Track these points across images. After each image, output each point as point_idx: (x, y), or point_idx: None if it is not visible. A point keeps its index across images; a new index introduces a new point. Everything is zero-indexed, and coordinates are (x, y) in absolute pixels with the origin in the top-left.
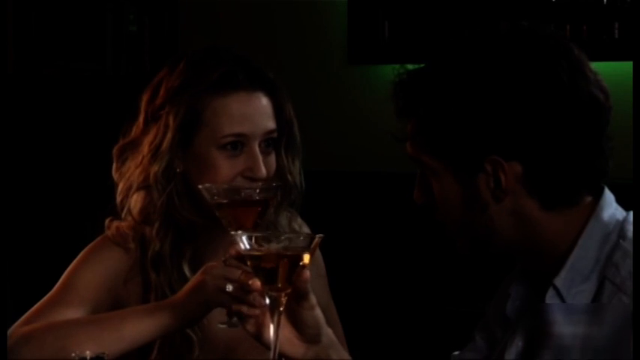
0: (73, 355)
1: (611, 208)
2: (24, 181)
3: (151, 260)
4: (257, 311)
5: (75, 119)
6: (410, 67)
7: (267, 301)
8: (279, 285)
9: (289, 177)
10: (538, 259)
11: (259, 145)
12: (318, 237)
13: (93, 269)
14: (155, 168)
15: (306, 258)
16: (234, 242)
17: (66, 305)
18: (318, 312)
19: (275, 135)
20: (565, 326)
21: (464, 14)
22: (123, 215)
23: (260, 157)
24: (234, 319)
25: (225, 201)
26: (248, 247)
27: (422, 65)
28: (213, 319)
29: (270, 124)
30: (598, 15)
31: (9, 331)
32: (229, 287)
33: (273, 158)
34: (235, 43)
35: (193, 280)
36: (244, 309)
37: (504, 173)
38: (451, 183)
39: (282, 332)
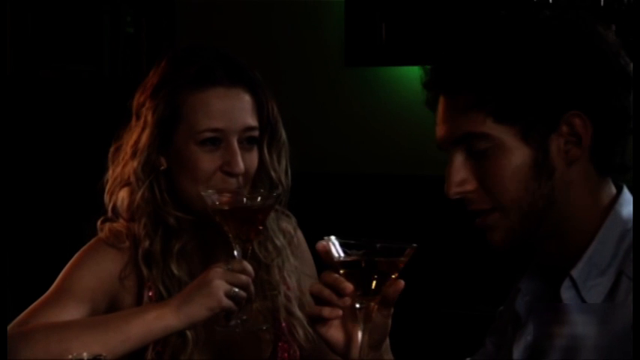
0: (70, 357)
1: (630, 206)
2: (22, 182)
3: (142, 257)
4: (340, 312)
5: (72, 121)
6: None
7: (357, 305)
8: (371, 293)
9: (273, 174)
10: (559, 248)
11: (240, 142)
12: (412, 246)
13: (89, 272)
14: (134, 164)
15: (399, 267)
16: (232, 245)
17: (62, 306)
18: (390, 321)
19: (256, 132)
20: (578, 326)
21: (461, 16)
22: (109, 213)
23: (238, 152)
24: (233, 322)
25: (226, 208)
26: (342, 254)
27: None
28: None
29: (250, 121)
30: (595, 17)
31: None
32: (235, 290)
33: (254, 155)
34: (232, 45)
35: (199, 282)
36: (326, 312)
37: (585, 127)
38: (520, 150)
39: (349, 334)
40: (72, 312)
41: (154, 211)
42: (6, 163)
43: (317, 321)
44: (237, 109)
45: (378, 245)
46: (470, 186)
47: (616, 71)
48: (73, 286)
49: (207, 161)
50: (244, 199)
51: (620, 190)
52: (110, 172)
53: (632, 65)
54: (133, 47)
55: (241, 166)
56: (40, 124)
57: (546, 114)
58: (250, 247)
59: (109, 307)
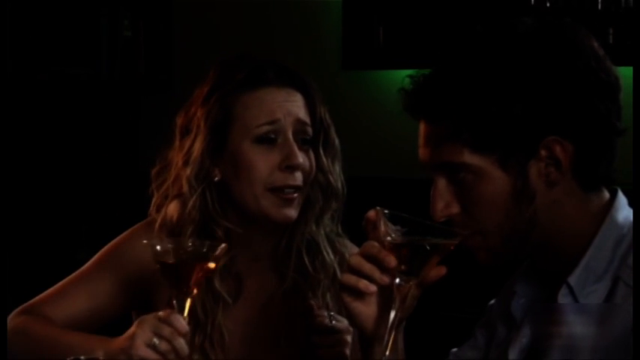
0: (68, 359)
1: (625, 210)
2: (21, 184)
3: None
4: (375, 289)
5: (70, 124)
6: (422, 72)
7: (397, 281)
8: (414, 273)
9: (331, 178)
10: (555, 255)
11: (295, 141)
12: (463, 232)
13: (133, 244)
14: (187, 172)
15: (448, 251)
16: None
17: (72, 298)
18: (415, 303)
19: (309, 131)
20: (576, 327)
21: (459, 20)
22: (157, 227)
23: (295, 145)
24: None
25: (170, 261)
26: (392, 230)
27: (434, 68)
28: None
29: (304, 116)
30: (592, 20)
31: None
32: (156, 342)
33: (311, 155)
34: (229, 47)
35: (131, 328)
36: (362, 285)
37: (564, 152)
38: (499, 178)
39: (372, 309)
40: (81, 301)
41: (203, 221)
42: (5, 165)
43: (348, 291)
44: (291, 103)
45: (429, 225)
46: (454, 209)
47: (595, 86)
48: (115, 256)
49: (264, 160)
50: (188, 249)
51: (614, 194)
52: (154, 188)
53: (616, 71)
54: (131, 50)
55: (300, 159)
56: (38, 127)
57: (523, 142)
58: (191, 302)
59: (142, 290)
